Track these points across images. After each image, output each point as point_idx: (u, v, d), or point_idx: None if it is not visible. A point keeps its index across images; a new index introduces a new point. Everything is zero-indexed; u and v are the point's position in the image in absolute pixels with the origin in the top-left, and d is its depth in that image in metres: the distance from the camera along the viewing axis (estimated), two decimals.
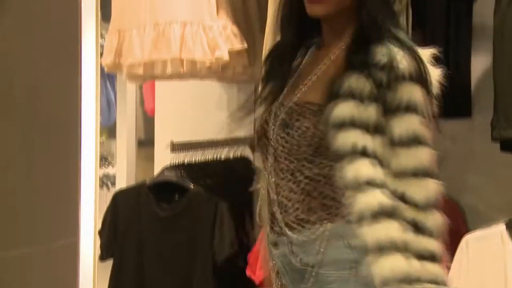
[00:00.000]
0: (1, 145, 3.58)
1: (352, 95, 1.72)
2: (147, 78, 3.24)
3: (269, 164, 1.84)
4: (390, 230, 1.66)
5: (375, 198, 1.68)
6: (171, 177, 3.18)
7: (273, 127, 1.84)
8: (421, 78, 1.76)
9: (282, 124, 1.82)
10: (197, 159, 3.26)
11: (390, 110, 1.72)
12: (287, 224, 1.81)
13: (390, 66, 1.73)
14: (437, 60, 1.87)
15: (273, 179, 1.83)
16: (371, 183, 1.69)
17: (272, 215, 1.84)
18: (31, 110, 3.57)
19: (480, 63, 3.08)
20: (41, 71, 3.56)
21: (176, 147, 3.25)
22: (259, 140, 1.88)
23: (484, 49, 2.99)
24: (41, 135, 3.56)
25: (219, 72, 3.07)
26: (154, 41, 2.98)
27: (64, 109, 3.56)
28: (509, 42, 2.68)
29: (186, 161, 3.24)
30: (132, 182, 3.76)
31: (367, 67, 1.74)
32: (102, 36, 3.79)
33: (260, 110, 1.94)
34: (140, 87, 4.46)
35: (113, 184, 4.48)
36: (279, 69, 1.94)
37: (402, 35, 1.83)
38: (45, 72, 3.56)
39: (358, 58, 1.76)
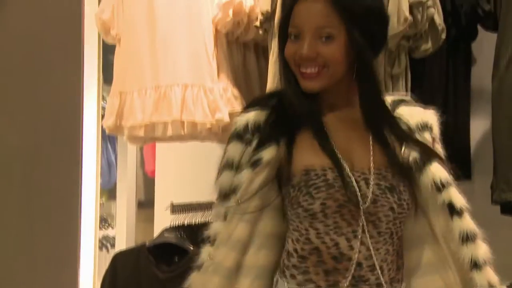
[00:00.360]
0: (1, 208, 3.59)
1: (434, 158, 1.92)
2: (148, 140, 3.25)
3: (360, 229, 1.85)
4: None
5: (483, 247, 1.93)
6: (170, 238, 3.16)
7: (374, 191, 1.85)
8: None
9: (389, 189, 1.86)
10: (197, 221, 3.25)
11: None
12: (381, 285, 1.87)
13: (430, 127, 1.98)
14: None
15: (371, 244, 1.85)
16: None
17: (354, 278, 1.86)
18: (31, 173, 3.58)
19: (479, 126, 3.10)
20: (42, 133, 3.58)
21: (176, 209, 3.23)
22: (340, 207, 1.84)
23: (482, 112, 3.01)
24: (41, 196, 3.57)
25: (220, 134, 3.08)
26: (155, 104, 2.99)
27: (65, 171, 3.58)
28: (507, 105, 2.70)
29: (186, 222, 3.23)
30: (132, 243, 3.74)
31: (419, 130, 1.95)
32: (103, 98, 3.82)
33: (260, 175, 1.89)
34: (141, 149, 4.48)
35: (113, 246, 4.46)
36: (278, 136, 1.92)
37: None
38: (46, 134, 3.58)
39: (398, 127, 1.94)
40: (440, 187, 1.89)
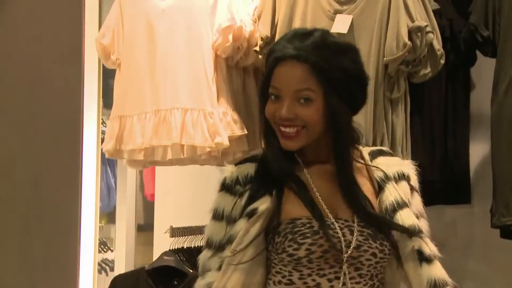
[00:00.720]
0: (1, 232, 3.58)
1: (409, 204, 1.97)
2: (148, 163, 3.25)
3: (342, 271, 1.87)
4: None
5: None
6: (170, 261, 3.16)
7: (357, 238, 1.88)
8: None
9: (371, 236, 1.89)
10: (196, 244, 3.25)
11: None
12: None
13: (408, 177, 2.01)
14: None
15: (350, 284, 1.87)
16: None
17: None
18: (31, 196, 3.58)
19: (478, 150, 3.11)
20: (42, 157, 3.59)
21: (175, 232, 3.24)
22: (324, 253, 1.86)
23: (482, 136, 3.02)
24: (41, 220, 3.57)
25: (219, 157, 3.08)
26: (155, 127, 3.00)
27: (65, 195, 3.58)
28: (506, 130, 2.71)
29: (185, 245, 3.23)
30: (131, 267, 3.74)
31: (396, 179, 1.99)
32: (103, 122, 3.83)
33: (255, 225, 1.90)
34: (141, 172, 4.49)
35: (112, 269, 4.45)
36: (269, 187, 1.94)
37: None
38: (45, 157, 3.58)
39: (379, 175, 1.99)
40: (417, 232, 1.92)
